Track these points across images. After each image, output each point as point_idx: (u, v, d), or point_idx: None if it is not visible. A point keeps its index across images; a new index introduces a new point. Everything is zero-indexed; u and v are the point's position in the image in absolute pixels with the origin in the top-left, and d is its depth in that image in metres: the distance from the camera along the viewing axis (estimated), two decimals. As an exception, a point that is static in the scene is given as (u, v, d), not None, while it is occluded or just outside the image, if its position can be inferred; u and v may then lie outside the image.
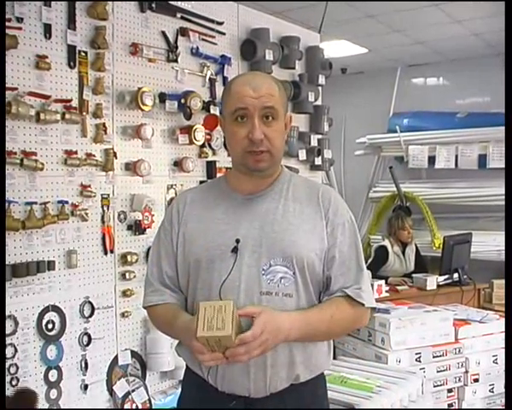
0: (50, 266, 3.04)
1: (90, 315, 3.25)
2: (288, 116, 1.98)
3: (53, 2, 3.05)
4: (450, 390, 3.77)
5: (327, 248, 1.90)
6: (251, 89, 1.85)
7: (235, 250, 1.85)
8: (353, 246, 1.94)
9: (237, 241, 1.86)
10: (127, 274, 3.41)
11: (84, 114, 3.19)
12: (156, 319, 2.06)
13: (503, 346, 3.73)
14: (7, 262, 2.85)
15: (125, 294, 3.41)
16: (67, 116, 3.08)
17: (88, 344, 3.24)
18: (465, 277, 5.41)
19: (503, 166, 6.12)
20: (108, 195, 3.33)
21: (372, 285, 4.15)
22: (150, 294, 2.02)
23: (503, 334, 3.71)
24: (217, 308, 1.67)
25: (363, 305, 1.89)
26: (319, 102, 4.87)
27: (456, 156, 7.06)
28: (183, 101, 3.64)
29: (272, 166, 1.92)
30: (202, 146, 3.83)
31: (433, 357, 3.68)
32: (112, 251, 3.36)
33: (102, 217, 3.31)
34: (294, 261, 1.85)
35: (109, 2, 3.29)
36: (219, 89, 3.94)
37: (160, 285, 2.00)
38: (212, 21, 3.92)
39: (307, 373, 1.91)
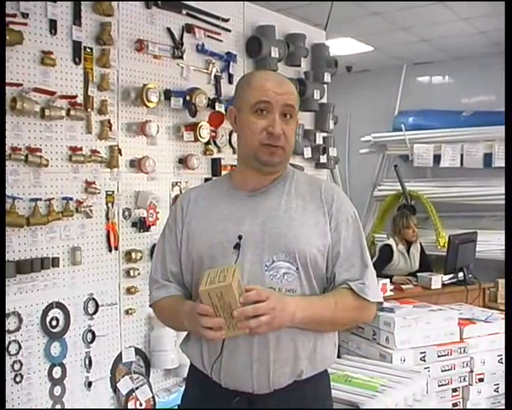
0: (55, 262, 3.04)
1: (94, 312, 3.25)
2: (298, 117, 2.01)
3: (58, -2, 3.05)
4: (454, 390, 3.75)
5: (331, 245, 1.90)
6: (275, 84, 1.89)
7: (237, 247, 1.86)
8: (357, 241, 1.95)
9: (239, 237, 1.87)
10: (131, 271, 3.41)
11: (89, 110, 3.18)
12: (161, 312, 2.06)
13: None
14: (11, 259, 2.85)
15: (129, 291, 3.41)
16: (72, 112, 3.08)
17: (92, 341, 3.23)
18: (470, 276, 5.40)
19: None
20: (113, 192, 3.33)
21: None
22: (155, 290, 2.03)
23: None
24: (220, 270, 1.71)
25: (367, 300, 1.90)
26: (324, 100, 4.86)
27: (462, 155, 7.04)
28: (188, 98, 3.63)
29: (283, 162, 1.95)
30: (207, 143, 3.82)
31: (438, 356, 3.67)
32: (116, 248, 3.35)
33: (107, 214, 3.30)
34: (297, 257, 1.85)
35: (115, -1, 3.29)
36: (224, 86, 3.94)
37: (165, 281, 2.01)
38: (218, 18, 3.91)
39: (311, 369, 1.91)
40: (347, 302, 1.89)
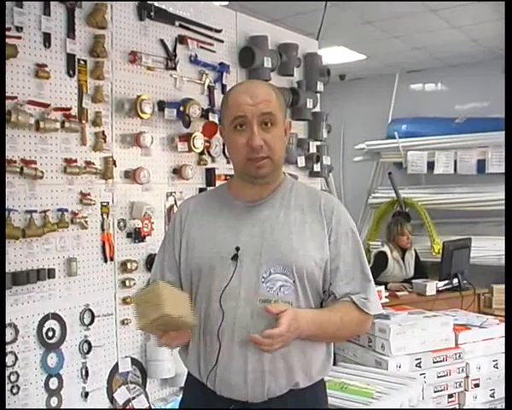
0: (50, 274, 3.04)
1: (91, 323, 3.25)
2: (287, 122, 2.00)
3: (52, 12, 3.06)
4: (450, 396, 3.76)
5: (329, 258, 1.91)
6: (248, 96, 1.87)
7: (235, 258, 1.87)
8: (357, 255, 1.96)
9: (237, 249, 1.88)
10: (127, 282, 3.41)
11: (84, 122, 3.19)
12: None
13: (504, 351, 3.74)
14: (7, 270, 2.85)
15: (125, 301, 3.41)
16: (67, 124, 3.09)
17: (88, 352, 3.23)
18: (465, 282, 5.42)
19: (502, 171, 6.17)
20: (108, 203, 3.34)
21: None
22: None
23: (504, 339, 3.72)
24: (147, 295, 1.75)
25: (368, 313, 1.94)
26: (318, 109, 4.88)
27: (455, 162, 7.08)
28: (181, 108, 3.64)
29: (273, 172, 1.94)
30: (201, 153, 3.83)
31: (434, 362, 3.68)
32: (112, 259, 3.36)
33: (102, 225, 3.31)
34: (294, 270, 1.86)
35: (108, 11, 3.30)
36: (218, 96, 3.95)
37: None
38: (211, 29, 3.93)
39: (306, 380, 1.92)
40: (351, 317, 1.92)
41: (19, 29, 2.92)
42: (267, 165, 1.90)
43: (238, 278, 1.85)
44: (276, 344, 1.75)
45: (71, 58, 3.15)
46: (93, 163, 3.24)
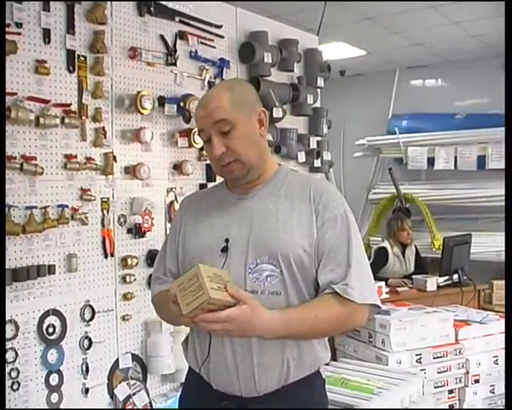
0: (51, 270, 3.04)
1: (91, 319, 3.25)
2: (257, 114, 1.95)
3: (52, 7, 3.05)
4: (450, 391, 3.78)
5: (316, 244, 1.87)
6: (201, 109, 1.92)
7: (224, 250, 1.88)
8: (345, 241, 1.88)
9: (226, 240, 1.89)
10: (127, 277, 3.41)
11: (84, 118, 3.19)
12: (158, 305, 2.09)
13: (504, 346, 3.74)
14: (7, 267, 2.85)
15: (125, 297, 3.41)
16: (67, 120, 3.09)
17: (89, 348, 3.24)
18: (465, 278, 5.41)
19: (502, 167, 6.17)
20: (108, 198, 3.33)
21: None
22: (156, 285, 2.08)
23: (504, 334, 3.73)
24: (189, 278, 1.71)
25: (353, 301, 1.83)
26: (318, 105, 4.88)
27: (456, 157, 7.09)
28: (182, 104, 3.64)
29: (249, 172, 1.93)
30: (201, 149, 3.83)
31: (434, 358, 3.69)
32: (112, 254, 3.36)
33: (102, 220, 3.31)
34: (280, 259, 1.84)
35: (108, 7, 3.30)
36: (218, 92, 3.95)
37: (166, 278, 2.07)
38: (211, 25, 3.93)
39: (300, 372, 1.90)
40: (331, 311, 1.84)
41: (18, 25, 2.91)
42: (237, 168, 1.90)
43: (227, 269, 1.85)
44: (213, 328, 1.72)
45: (71, 54, 3.15)
46: (93, 159, 3.24)
